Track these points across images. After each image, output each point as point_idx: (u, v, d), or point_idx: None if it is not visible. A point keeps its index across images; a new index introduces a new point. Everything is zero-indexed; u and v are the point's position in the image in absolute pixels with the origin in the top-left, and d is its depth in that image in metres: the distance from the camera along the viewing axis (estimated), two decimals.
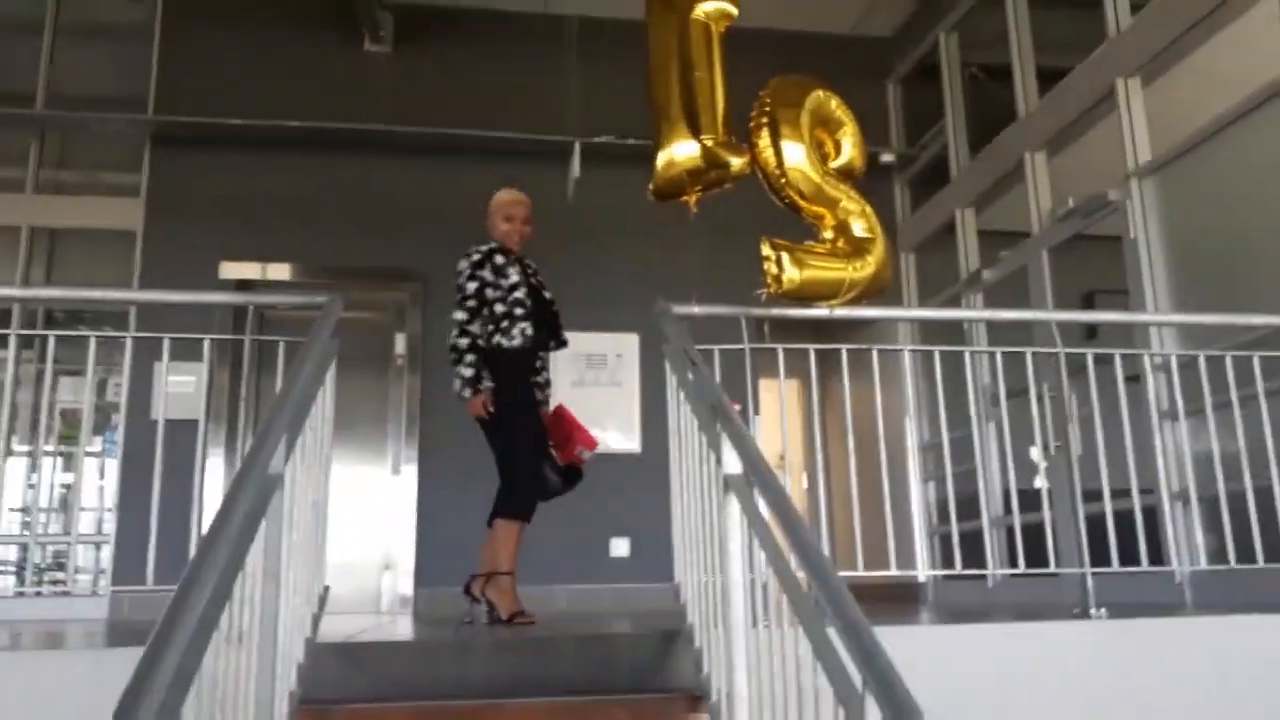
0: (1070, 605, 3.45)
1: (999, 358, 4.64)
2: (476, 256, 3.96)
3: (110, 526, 5.93)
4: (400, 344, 6.73)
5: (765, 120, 3.58)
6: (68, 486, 6.44)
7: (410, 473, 6.46)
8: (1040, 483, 4.35)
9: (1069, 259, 5.84)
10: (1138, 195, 5.11)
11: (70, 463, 6.44)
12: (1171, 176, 5.01)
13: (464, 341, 3.85)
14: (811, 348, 3.82)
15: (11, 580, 5.84)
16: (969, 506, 4.32)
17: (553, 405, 4.13)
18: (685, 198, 3.73)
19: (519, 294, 3.91)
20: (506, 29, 7.17)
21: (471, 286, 3.90)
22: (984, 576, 5.64)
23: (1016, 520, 3.91)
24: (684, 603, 2.92)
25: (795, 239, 3.54)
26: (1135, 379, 4.61)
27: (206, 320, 5.57)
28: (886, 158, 7.39)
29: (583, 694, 2.70)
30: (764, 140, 3.56)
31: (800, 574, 2.02)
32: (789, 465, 7.94)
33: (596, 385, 6.66)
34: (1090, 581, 3.38)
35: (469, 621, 3.86)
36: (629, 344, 6.72)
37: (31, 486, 6.02)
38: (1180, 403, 4.49)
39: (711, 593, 2.58)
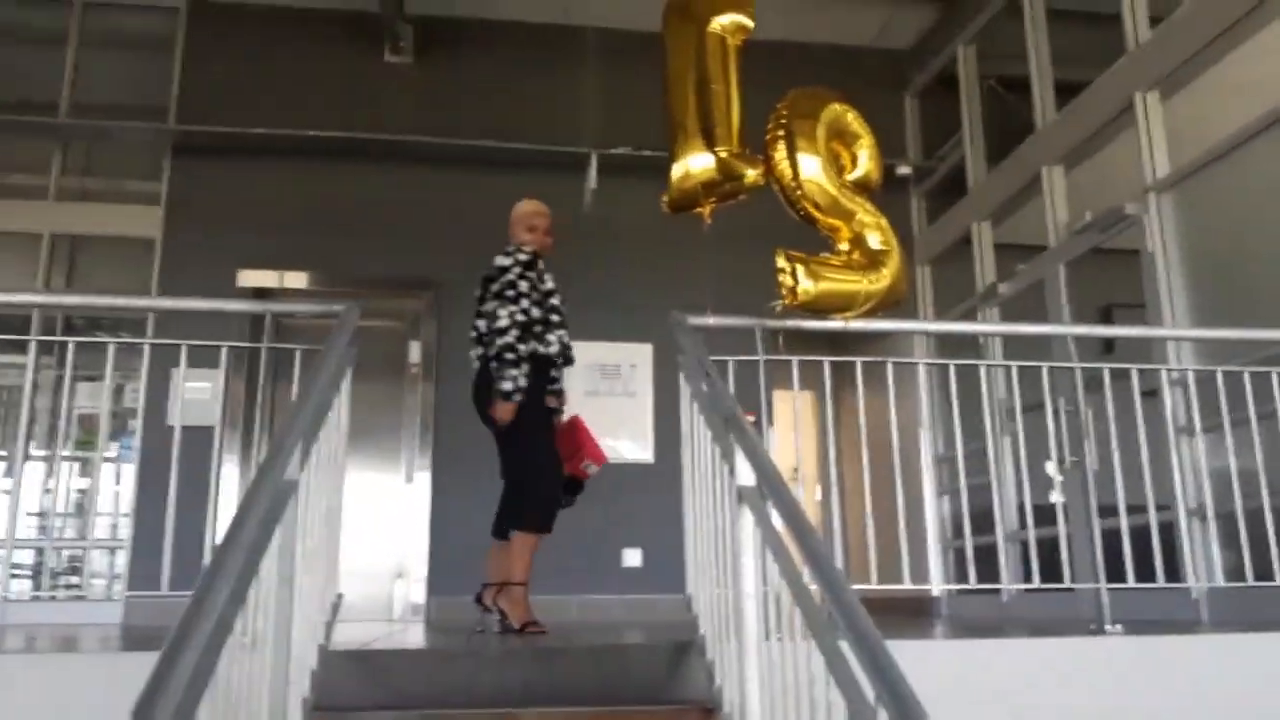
0: (1085, 621, 3.43)
1: (1014, 371, 4.62)
2: (524, 257, 3.86)
3: (125, 532, 5.98)
4: (415, 352, 6.76)
5: (781, 132, 3.58)
6: (83, 491, 6.48)
7: (424, 481, 6.48)
8: (1056, 497, 4.33)
9: (1086, 273, 5.80)
10: (1155, 209, 5.08)
11: (87, 468, 6.49)
12: (1189, 191, 4.98)
13: (524, 348, 3.72)
14: (826, 360, 3.82)
15: (28, 584, 5.88)
16: (983, 520, 4.29)
17: (567, 416, 4.13)
18: (700, 209, 3.73)
19: (555, 300, 3.90)
20: (525, 40, 7.23)
21: (525, 285, 3.80)
22: (998, 591, 5.61)
23: (1031, 535, 3.89)
24: (696, 614, 2.92)
25: (810, 251, 3.53)
26: (1152, 394, 4.58)
27: (224, 328, 5.59)
28: (903, 170, 7.37)
29: (594, 704, 2.69)
30: (780, 152, 3.56)
31: (813, 587, 2.02)
32: (803, 477, 7.91)
33: (610, 395, 6.67)
34: (1105, 597, 3.36)
35: (481, 630, 3.86)
36: (643, 354, 6.73)
37: (48, 491, 6.07)
38: (1197, 418, 4.46)
39: (724, 605, 2.58)
